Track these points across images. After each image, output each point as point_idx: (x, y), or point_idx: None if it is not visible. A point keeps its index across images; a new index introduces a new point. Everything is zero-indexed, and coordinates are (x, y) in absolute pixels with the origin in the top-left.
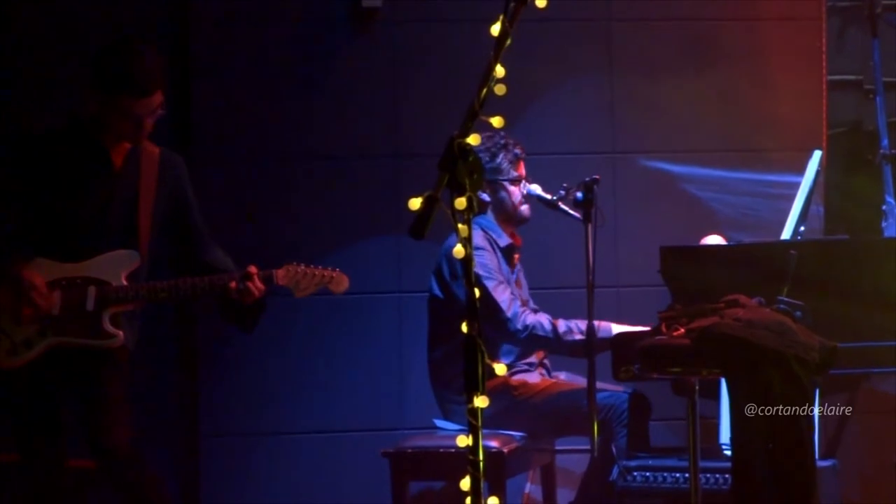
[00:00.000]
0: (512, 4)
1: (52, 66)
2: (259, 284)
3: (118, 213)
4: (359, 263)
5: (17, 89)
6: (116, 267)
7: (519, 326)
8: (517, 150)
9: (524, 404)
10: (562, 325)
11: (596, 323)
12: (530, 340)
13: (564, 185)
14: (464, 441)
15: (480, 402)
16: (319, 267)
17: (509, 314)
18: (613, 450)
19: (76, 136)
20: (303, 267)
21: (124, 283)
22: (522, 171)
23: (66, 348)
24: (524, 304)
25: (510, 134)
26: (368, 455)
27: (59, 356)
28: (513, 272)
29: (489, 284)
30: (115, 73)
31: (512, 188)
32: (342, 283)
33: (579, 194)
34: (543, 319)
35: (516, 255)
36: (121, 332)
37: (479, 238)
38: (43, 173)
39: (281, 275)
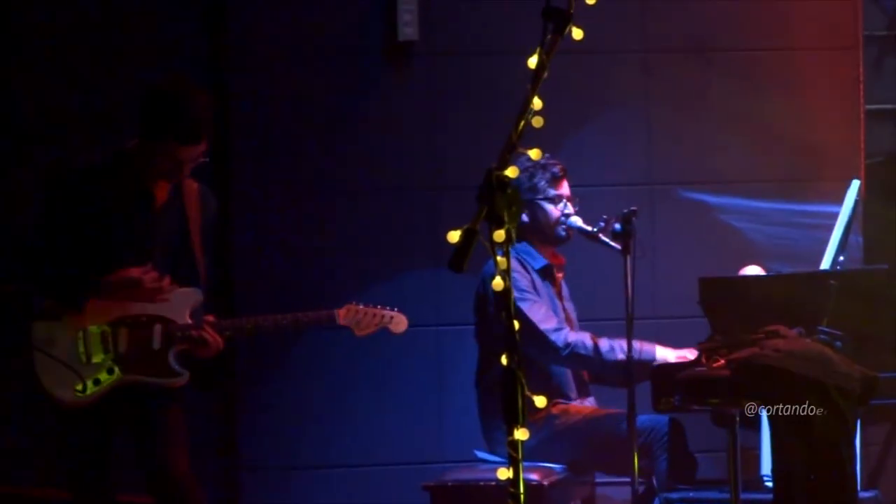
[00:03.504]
0: (549, 36)
1: (88, 98)
2: (212, 336)
3: (163, 247)
4: (397, 296)
5: (55, 123)
6: (181, 304)
7: (560, 344)
8: (555, 170)
9: (566, 432)
10: (604, 343)
11: (639, 344)
12: (573, 359)
13: (604, 216)
14: (504, 474)
15: (521, 434)
16: (379, 307)
17: (547, 329)
18: (654, 481)
19: (119, 171)
20: (363, 307)
21: (189, 320)
22: (564, 189)
23: (127, 385)
24: (569, 322)
25: None
26: (409, 489)
27: (118, 390)
28: (559, 293)
29: (523, 306)
30: (163, 115)
31: (549, 207)
32: (401, 323)
33: (618, 226)
34: (585, 337)
35: (559, 275)
36: (186, 371)
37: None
38: (87, 208)
39: (342, 314)
